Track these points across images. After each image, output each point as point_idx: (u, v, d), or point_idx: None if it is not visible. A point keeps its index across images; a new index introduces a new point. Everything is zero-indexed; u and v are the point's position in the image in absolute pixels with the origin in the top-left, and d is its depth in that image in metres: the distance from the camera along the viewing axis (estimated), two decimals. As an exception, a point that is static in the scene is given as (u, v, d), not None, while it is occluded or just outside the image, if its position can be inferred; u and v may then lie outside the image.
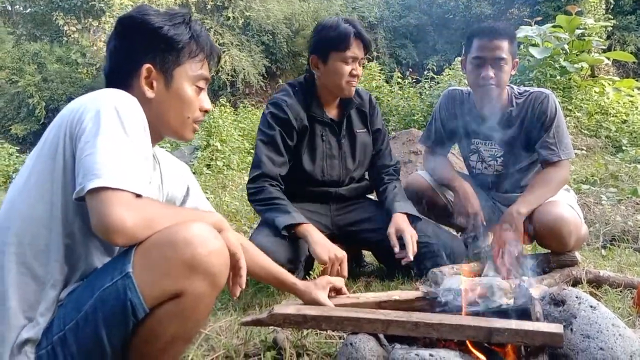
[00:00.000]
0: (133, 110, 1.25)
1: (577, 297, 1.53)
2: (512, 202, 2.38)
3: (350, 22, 2.33)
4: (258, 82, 15.58)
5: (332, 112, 2.50)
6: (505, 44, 2.35)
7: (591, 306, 1.49)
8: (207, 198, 4.59)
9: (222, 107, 8.70)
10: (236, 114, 9.46)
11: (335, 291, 1.89)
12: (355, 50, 2.30)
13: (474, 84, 2.45)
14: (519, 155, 2.55)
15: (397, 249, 2.25)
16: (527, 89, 2.53)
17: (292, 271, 2.05)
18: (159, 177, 1.57)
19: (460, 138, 2.70)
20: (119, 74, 1.40)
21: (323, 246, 2.13)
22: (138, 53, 1.38)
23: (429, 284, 2.04)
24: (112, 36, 1.43)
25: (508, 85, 2.51)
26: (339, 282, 1.87)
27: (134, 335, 1.18)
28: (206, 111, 1.50)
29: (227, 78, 14.99)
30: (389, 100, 8.68)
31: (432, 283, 2.03)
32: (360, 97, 2.55)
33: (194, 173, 6.49)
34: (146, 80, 1.37)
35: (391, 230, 2.30)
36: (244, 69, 15.26)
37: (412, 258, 2.22)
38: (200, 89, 1.46)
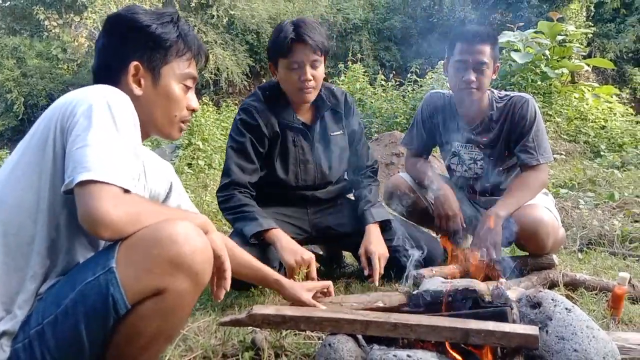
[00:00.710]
0: (125, 106, 1.26)
1: (552, 300, 1.56)
2: (492, 204, 2.40)
3: (296, 24, 2.23)
4: (242, 81, 15.49)
5: (305, 116, 2.45)
6: (487, 49, 2.38)
7: (566, 308, 1.52)
8: (188, 197, 4.56)
9: (205, 106, 8.64)
10: (219, 113, 9.39)
11: (322, 293, 1.92)
12: (299, 54, 2.21)
13: (456, 87, 2.47)
14: (499, 158, 2.58)
15: (366, 272, 2.27)
16: (508, 93, 2.57)
17: None
18: (143, 175, 1.58)
19: (441, 141, 2.72)
20: (107, 71, 1.41)
21: (290, 250, 2.12)
22: (126, 51, 1.39)
23: (407, 285, 2.06)
24: (101, 34, 1.45)
25: (489, 90, 2.54)
26: (325, 284, 1.94)
27: (115, 333, 1.18)
28: (193, 110, 1.51)
29: (210, 77, 14.88)
30: (372, 103, 8.69)
31: (411, 285, 2.04)
32: (335, 97, 2.50)
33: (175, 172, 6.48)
34: (134, 77, 1.39)
35: (361, 251, 2.31)
36: (227, 68, 15.16)
37: (377, 283, 2.23)
38: (188, 87, 1.48)
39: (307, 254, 2.12)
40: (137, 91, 1.39)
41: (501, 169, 2.62)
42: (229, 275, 1.35)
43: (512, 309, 1.53)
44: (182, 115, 1.47)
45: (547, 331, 1.48)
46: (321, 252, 2.89)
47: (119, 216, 1.11)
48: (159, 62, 1.41)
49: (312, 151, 2.45)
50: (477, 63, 2.38)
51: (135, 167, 1.25)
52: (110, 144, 1.17)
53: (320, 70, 2.29)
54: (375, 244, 2.30)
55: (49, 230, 1.23)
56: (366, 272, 2.27)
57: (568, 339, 1.43)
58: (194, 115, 6.92)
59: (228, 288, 1.36)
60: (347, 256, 2.89)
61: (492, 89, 2.58)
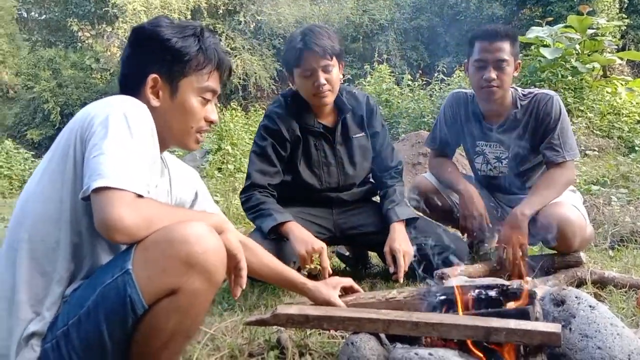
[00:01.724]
0: (141, 115, 1.31)
1: (576, 297, 1.54)
2: (517, 203, 2.38)
3: (303, 33, 2.29)
4: (269, 85, 15.67)
5: (326, 119, 2.49)
6: (506, 46, 2.37)
7: (590, 306, 1.50)
8: (217, 201, 4.64)
9: (233, 111, 8.77)
10: (247, 118, 9.53)
11: (347, 290, 1.93)
12: (309, 62, 2.27)
13: (477, 86, 2.46)
14: (524, 156, 2.55)
15: (391, 269, 2.29)
16: (532, 90, 2.54)
17: None
18: (168, 182, 1.62)
19: (465, 140, 2.72)
20: (130, 81, 1.46)
21: (301, 241, 2.16)
22: (147, 62, 1.44)
23: (432, 284, 2.06)
24: (127, 45, 1.50)
25: (512, 87, 2.52)
26: (348, 281, 1.93)
27: (135, 332, 1.23)
28: (212, 122, 1.54)
29: (238, 82, 15.10)
30: (399, 103, 8.68)
31: (435, 284, 2.04)
32: (357, 100, 2.54)
33: (205, 176, 6.61)
34: (152, 89, 1.43)
35: (386, 249, 2.33)
36: (255, 73, 15.36)
37: (401, 281, 2.25)
38: (207, 100, 1.50)
39: (317, 244, 2.15)
40: (155, 102, 1.43)
41: (527, 167, 2.59)
42: (244, 274, 1.39)
43: (534, 306, 1.52)
44: (199, 126, 1.50)
45: (570, 329, 1.47)
46: (347, 253, 2.92)
47: (132, 221, 1.15)
48: (177, 75, 1.44)
49: (334, 154, 2.49)
50: (496, 61, 2.37)
51: (151, 172, 1.30)
52: (125, 151, 1.21)
53: (334, 73, 2.33)
54: (399, 241, 2.32)
55: (72, 236, 1.29)
56: (391, 270, 2.29)
57: (592, 336, 1.42)
58: (222, 120, 7.03)
59: (244, 286, 1.40)
60: (373, 257, 2.91)
61: (516, 87, 2.56)
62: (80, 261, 1.31)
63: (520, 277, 2.16)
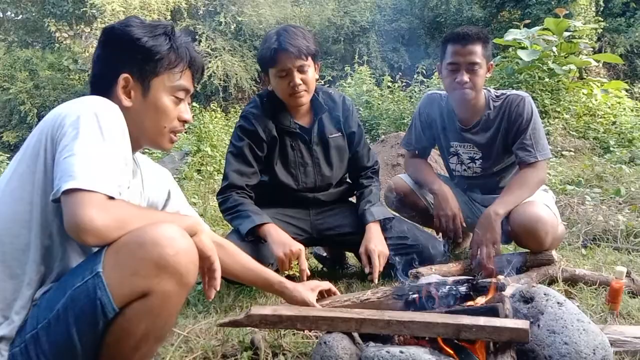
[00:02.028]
0: (113, 116, 1.30)
1: (545, 294, 1.57)
2: (491, 203, 2.41)
3: (278, 33, 2.30)
4: (250, 87, 15.61)
5: (303, 120, 2.49)
6: (478, 49, 2.40)
7: (558, 303, 1.53)
8: (195, 203, 4.61)
9: (213, 112, 8.71)
10: (227, 119, 9.46)
11: (326, 293, 1.94)
12: (285, 63, 2.27)
13: (450, 88, 2.49)
14: (497, 157, 2.60)
15: (367, 269, 2.30)
16: (504, 92, 2.58)
17: None
18: (140, 183, 1.61)
19: (440, 140, 2.75)
20: (101, 81, 1.45)
21: (279, 243, 2.17)
22: (118, 62, 1.43)
23: (407, 283, 2.07)
24: (97, 45, 1.48)
25: (485, 89, 2.55)
26: (326, 284, 1.94)
27: (106, 335, 1.21)
28: (185, 121, 1.53)
29: (219, 83, 15.01)
30: (379, 104, 8.71)
31: (409, 283, 2.06)
32: (333, 100, 2.54)
33: (184, 178, 6.55)
34: (124, 89, 1.42)
35: (362, 250, 2.34)
36: (236, 74, 15.28)
37: (376, 281, 2.27)
38: (180, 99, 1.50)
39: (295, 246, 2.16)
40: (127, 102, 1.42)
41: (500, 167, 2.63)
42: (218, 275, 1.39)
43: (504, 303, 1.55)
44: (172, 126, 1.50)
45: (538, 325, 1.50)
46: (325, 254, 2.92)
47: (103, 222, 1.14)
48: (148, 75, 1.43)
49: (310, 154, 2.50)
50: (468, 64, 2.40)
51: (123, 173, 1.29)
52: (96, 152, 1.21)
53: (310, 73, 2.34)
54: (375, 242, 2.33)
55: (43, 238, 1.28)
56: (367, 270, 2.30)
57: (559, 332, 1.45)
58: (202, 121, 6.94)
59: (218, 287, 1.40)
60: (350, 257, 2.92)
61: (489, 88, 2.60)
62: (50, 264, 1.30)
63: (493, 275, 2.18)
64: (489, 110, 2.53)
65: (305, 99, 2.38)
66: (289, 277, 2.12)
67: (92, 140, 1.22)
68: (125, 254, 1.18)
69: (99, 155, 1.21)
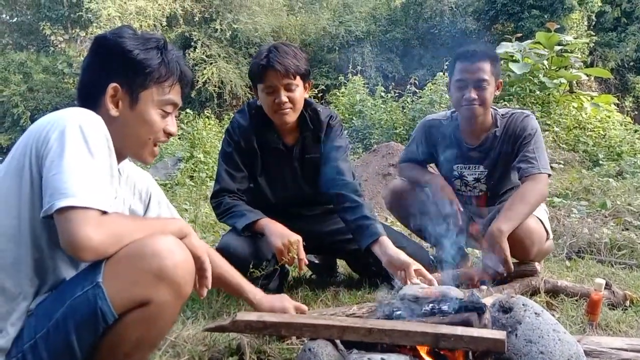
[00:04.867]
0: (97, 128, 1.30)
1: (523, 305, 1.61)
2: (486, 214, 2.44)
3: (269, 50, 2.29)
4: (245, 94, 15.65)
5: (288, 136, 2.47)
6: (486, 66, 2.44)
7: (535, 313, 1.57)
8: (186, 210, 4.62)
9: (207, 119, 8.75)
10: (221, 126, 9.49)
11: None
12: (272, 80, 2.26)
13: (458, 105, 2.53)
14: (503, 174, 2.62)
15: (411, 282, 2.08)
16: (510, 109, 2.63)
17: (257, 265, 2.17)
18: (123, 190, 1.62)
19: (442, 165, 2.76)
20: (89, 89, 1.45)
21: (277, 234, 2.19)
22: (108, 72, 1.43)
23: (391, 292, 2.10)
24: (88, 53, 1.49)
25: (492, 107, 2.59)
26: (303, 308, 1.88)
27: (101, 340, 1.25)
28: (170, 134, 1.54)
29: (214, 89, 15.05)
30: (372, 114, 8.79)
31: (393, 292, 2.09)
32: (319, 119, 2.48)
33: (176, 184, 6.57)
34: (112, 98, 1.42)
35: (395, 264, 2.18)
36: (231, 81, 15.33)
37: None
38: (167, 113, 1.50)
39: (294, 237, 2.17)
40: (114, 112, 1.42)
41: (506, 187, 2.66)
42: (209, 274, 1.44)
43: (483, 313, 1.59)
44: (156, 137, 1.50)
45: (516, 335, 1.54)
46: (317, 261, 2.95)
47: (100, 239, 1.17)
48: (138, 87, 1.43)
49: (292, 172, 2.50)
50: (477, 81, 2.44)
51: (111, 187, 1.32)
52: (85, 168, 1.22)
53: (298, 92, 2.32)
54: (404, 255, 2.20)
55: (33, 251, 1.29)
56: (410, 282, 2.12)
57: (535, 342, 1.49)
58: (195, 128, 6.95)
59: (210, 286, 1.45)
60: (340, 265, 2.95)
61: (495, 107, 2.63)
62: (43, 275, 1.32)
63: (476, 285, 2.22)
64: (495, 128, 2.57)
65: (291, 117, 2.35)
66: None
67: (79, 155, 1.23)
68: (126, 265, 1.22)
69: (88, 170, 1.22)
